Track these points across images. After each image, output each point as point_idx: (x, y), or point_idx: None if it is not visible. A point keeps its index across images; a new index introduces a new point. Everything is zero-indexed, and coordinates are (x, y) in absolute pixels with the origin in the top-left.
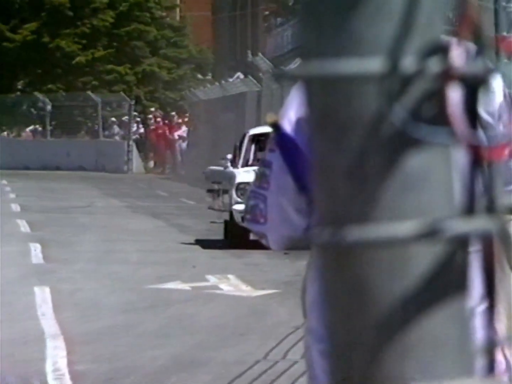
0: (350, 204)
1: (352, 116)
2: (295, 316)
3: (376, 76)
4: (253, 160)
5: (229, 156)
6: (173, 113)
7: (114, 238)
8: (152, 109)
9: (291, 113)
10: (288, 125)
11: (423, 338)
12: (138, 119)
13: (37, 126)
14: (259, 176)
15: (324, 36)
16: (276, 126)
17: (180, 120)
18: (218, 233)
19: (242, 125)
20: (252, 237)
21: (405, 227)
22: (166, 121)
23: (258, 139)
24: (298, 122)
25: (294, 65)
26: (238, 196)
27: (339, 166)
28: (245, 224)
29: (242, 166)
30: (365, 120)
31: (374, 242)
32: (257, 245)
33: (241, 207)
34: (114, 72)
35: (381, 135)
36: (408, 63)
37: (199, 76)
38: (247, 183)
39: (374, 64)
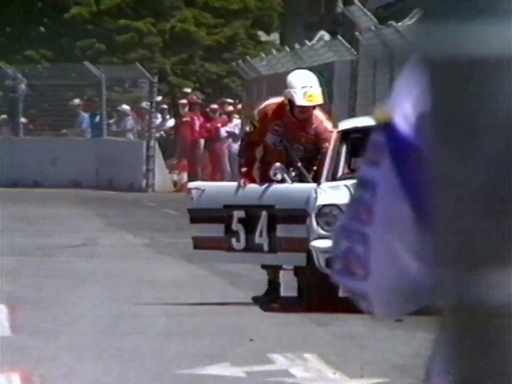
0: (485, 241)
1: (491, 114)
2: None
3: None
4: (344, 169)
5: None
6: (229, 100)
7: (128, 295)
8: (187, 89)
9: (407, 105)
10: (404, 124)
11: None
12: (165, 106)
13: (4, 116)
14: (355, 202)
15: None
16: (389, 126)
17: (231, 108)
18: (288, 287)
19: (327, 114)
20: (342, 293)
21: None
22: (209, 109)
23: (352, 138)
24: (420, 120)
25: (409, 20)
26: (321, 227)
27: (468, 184)
28: (333, 276)
29: (327, 180)
30: (509, 120)
31: None
32: (350, 306)
33: (325, 244)
34: (130, 31)
35: None
36: None
37: (260, 37)
38: (335, 206)
39: None
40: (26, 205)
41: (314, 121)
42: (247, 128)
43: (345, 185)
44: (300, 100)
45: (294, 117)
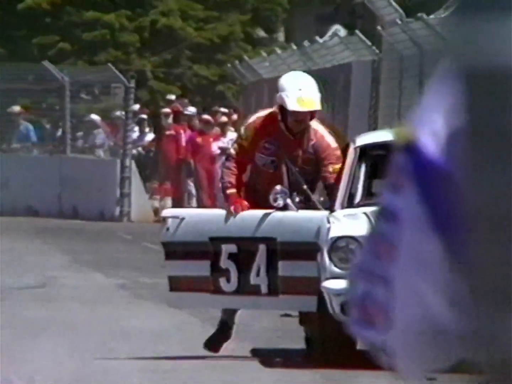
0: None
1: None
2: None
3: None
4: (363, 195)
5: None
6: (222, 109)
7: (97, 348)
8: (171, 96)
9: (437, 119)
10: (431, 142)
11: None
12: (144, 116)
13: None
14: (374, 236)
15: None
16: (412, 146)
17: (224, 119)
18: (294, 337)
19: (342, 126)
20: (360, 346)
21: None
22: (199, 120)
23: (373, 155)
24: (452, 136)
25: (443, 12)
26: (335, 264)
27: (506, 208)
28: (348, 326)
29: (343, 206)
30: None
31: None
32: (370, 361)
33: (340, 284)
34: (99, 26)
35: None
36: None
37: (261, 33)
38: (352, 238)
39: None
40: None
41: (313, 137)
42: (231, 149)
43: (364, 213)
44: (292, 105)
45: (288, 130)
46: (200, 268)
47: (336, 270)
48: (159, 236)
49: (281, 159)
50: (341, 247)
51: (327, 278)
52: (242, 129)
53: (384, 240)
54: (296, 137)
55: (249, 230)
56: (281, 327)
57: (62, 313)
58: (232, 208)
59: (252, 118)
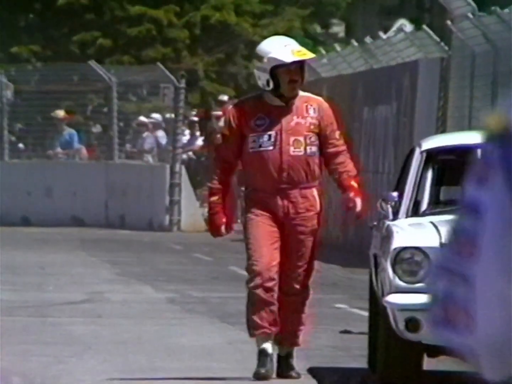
0: None
1: None
2: None
3: None
4: (430, 203)
5: (394, 194)
6: None
7: (146, 366)
8: (223, 97)
9: None
10: None
11: None
12: (195, 118)
13: None
14: (456, 233)
15: None
16: (506, 135)
17: None
18: (355, 356)
19: (407, 129)
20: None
21: None
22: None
23: (442, 160)
24: None
25: None
26: (400, 277)
27: None
28: (433, 330)
29: (408, 215)
30: None
31: None
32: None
33: (405, 299)
34: (146, 21)
35: None
36: None
37: (317, 28)
38: (419, 249)
39: None
40: (13, 250)
41: (309, 102)
42: (217, 140)
43: (431, 223)
44: (288, 57)
45: (281, 98)
46: None
47: (400, 283)
48: (221, 247)
49: (278, 130)
50: (405, 258)
51: (391, 291)
52: (222, 121)
53: (465, 236)
54: (288, 104)
55: None
56: (340, 342)
57: (108, 330)
58: (223, 227)
59: (231, 105)
